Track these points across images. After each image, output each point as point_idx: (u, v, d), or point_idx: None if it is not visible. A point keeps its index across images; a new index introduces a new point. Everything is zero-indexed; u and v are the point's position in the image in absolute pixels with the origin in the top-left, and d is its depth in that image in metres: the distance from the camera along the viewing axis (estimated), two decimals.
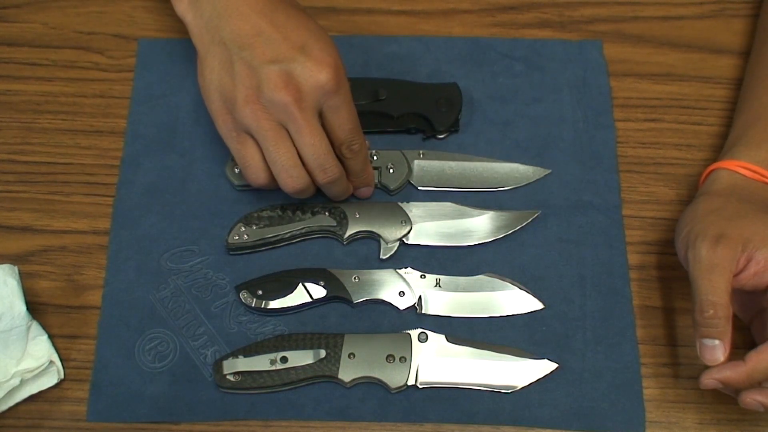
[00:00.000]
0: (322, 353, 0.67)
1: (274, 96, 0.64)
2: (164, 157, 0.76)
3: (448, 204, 0.74)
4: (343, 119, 0.67)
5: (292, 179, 0.67)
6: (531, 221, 0.74)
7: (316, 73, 0.64)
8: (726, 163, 0.70)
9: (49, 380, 0.67)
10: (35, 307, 0.69)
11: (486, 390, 0.68)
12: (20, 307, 0.66)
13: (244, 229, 0.72)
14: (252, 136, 0.67)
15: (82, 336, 0.70)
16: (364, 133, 0.70)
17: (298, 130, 0.65)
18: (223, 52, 0.66)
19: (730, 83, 0.80)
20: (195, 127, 0.77)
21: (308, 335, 0.68)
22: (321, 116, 0.67)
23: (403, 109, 0.76)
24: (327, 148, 0.67)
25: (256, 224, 0.72)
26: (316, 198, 0.74)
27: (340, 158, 0.69)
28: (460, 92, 0.77)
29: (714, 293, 0.62)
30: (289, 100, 0.64)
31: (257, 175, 0.68)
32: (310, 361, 0.67)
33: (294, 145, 0.66)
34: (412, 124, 0.77)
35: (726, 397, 0.66)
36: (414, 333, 0.68)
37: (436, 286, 0.71)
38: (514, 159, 0.76)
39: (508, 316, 0.70)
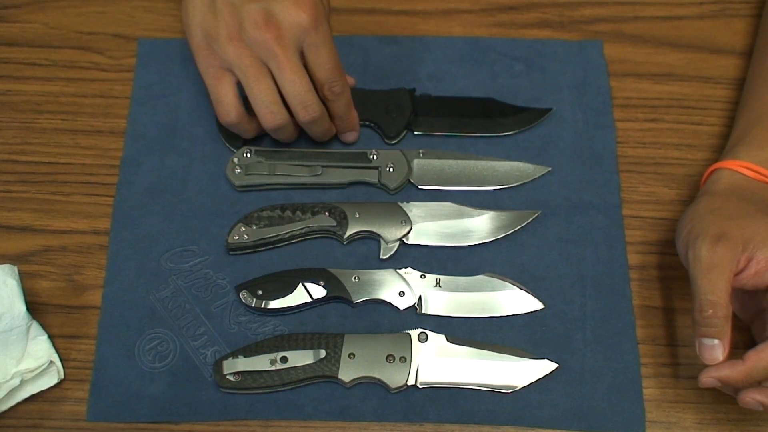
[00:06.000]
0: (322, 353, 0.67)
1: (256, 34, 0.67)
2: (164, 157, 0.76)
3: (448, 204, 0.74)
4: (323, 58, 0.69)
5: (271, 115, 0.69)
6: (531, 221, 0.74)
7: (295, 11, 0.67)
8: (728, 163, 0.70)
9: (49, 380, 0.67)
10: (35, 307, 0.69)
11: (486, 390, 0.68)
12: (20, 307, 0.66)
13: (244, 229, 0.72)
14: (232, 73, 0.69)
15: (82, 336, 0.69)
16: None
17: (278, 67, 0.68)
18: None
19: (731, 83, 0.80)
20: (195, 127, 0.77)
21: (308, 335, 0.68)
22: (303, 56, 0.69)
23: None
24: (308, 86, 0.69)
25: (256, 224, 0.72)
26: (316, 198, 0.74)
27: (324, 100, 0.71)
28: (410, 97, 0.77)
29: (713, 293, 0.62)
30: (270, 37, 0.67)
31: (227, 112, 0.70)
32: (310, 361, 0.67)
33: (276, 84, 0.68)
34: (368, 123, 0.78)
35: (726, 397, 0.66)
36: (414, 333, 0.68)
37: (436, 286, 0.71)
38: (514, 159, 0.76)
39: (508, 316, 0.70)
